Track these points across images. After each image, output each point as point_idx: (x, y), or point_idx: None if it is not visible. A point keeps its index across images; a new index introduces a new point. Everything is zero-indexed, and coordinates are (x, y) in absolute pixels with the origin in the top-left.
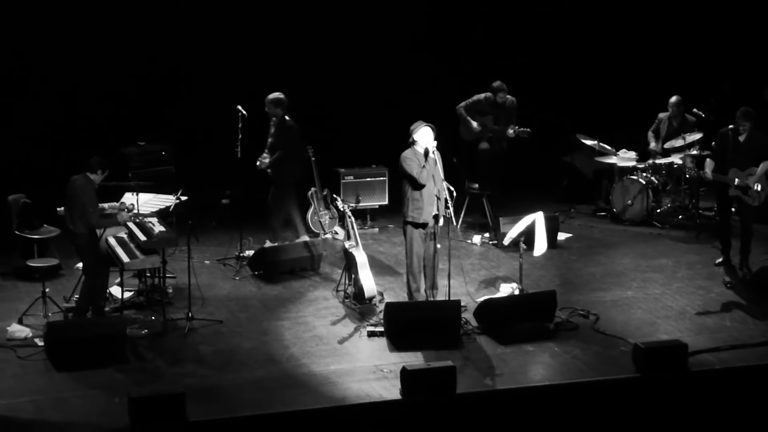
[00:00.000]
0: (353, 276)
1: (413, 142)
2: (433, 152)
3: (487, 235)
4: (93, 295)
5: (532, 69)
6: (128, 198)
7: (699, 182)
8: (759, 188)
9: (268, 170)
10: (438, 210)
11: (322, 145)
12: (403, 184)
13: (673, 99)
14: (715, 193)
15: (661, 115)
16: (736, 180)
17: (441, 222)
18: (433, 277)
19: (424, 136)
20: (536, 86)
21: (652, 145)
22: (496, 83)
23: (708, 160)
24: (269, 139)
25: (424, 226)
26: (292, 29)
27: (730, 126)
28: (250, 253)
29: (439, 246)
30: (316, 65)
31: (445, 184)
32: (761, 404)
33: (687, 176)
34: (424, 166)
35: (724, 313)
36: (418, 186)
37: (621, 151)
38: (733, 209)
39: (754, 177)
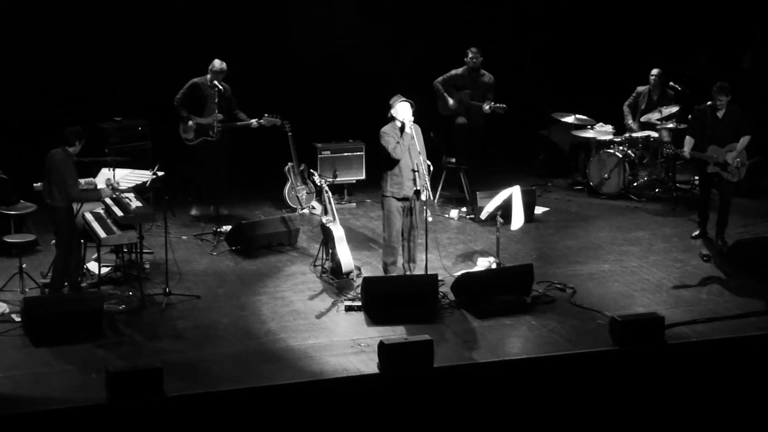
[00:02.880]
0: (330, 251)
1: (392, 117)
2: (410, 127)
3: (464, 209)
4: (66, 270)
5: (511, 43)
6: (105, 173)
7: (675, 156)
8: (738, 164)
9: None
10: (416, 185)
11: (298, 120)
12: (380, 158)
13: (655, 71)
14: (697, 168)
15: (640, 88)
16: (715, 156)
17: (423, 197)
18: (411, 250)
19: (401, 110)
20: (513, 61)
21: (629, 120)
22: (470, 49)
23: (687, 138)
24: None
25: (403, 200)
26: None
27: (708, 102)
28: (227, 228)
29: (431, 218)
30: (292, 38)
31: (423, 158)
32: (737, 376)
33: (664, 156)
34: (398, 141)
35: (700, 286)
36: (393, 162)
37: (598, 124)
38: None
39: (734, 153)
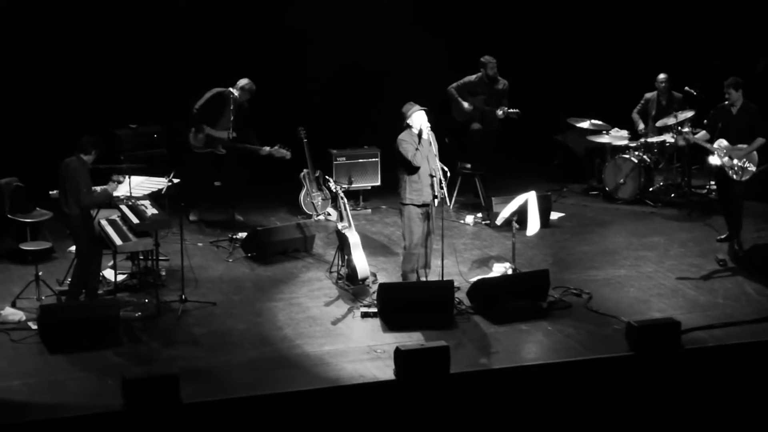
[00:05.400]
0: (346, 257)
1: (408, 126)
2: (428, 133)
3: (479, 215)
4: (85, 278)
5: (523, 50)
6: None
7: (691, 160)
8: (745, 164)
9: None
10: (433, 190)
11: (314, 126)
12: (398, 166)
13: (661, 76)
14: (713, 174)
15: (648, 95)
16: (722, 149)
17: (437, 202)
18: (427, 256)
19: (417, 119)
20: (527, 67)
21: (641, 126)
22: (485, 57)
23: (702, 132)
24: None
25: (423, 206)
26: (282, 6)
27: (726, 102)
28: (242, 234)
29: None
30: (308, 46)
31: (439, 164)
32: (754, 381)
33: (674, 139)
34: (417, 149)
35: (717, 290)
36: (413, 169)
37: (613, 129)
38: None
39: (741, 152)
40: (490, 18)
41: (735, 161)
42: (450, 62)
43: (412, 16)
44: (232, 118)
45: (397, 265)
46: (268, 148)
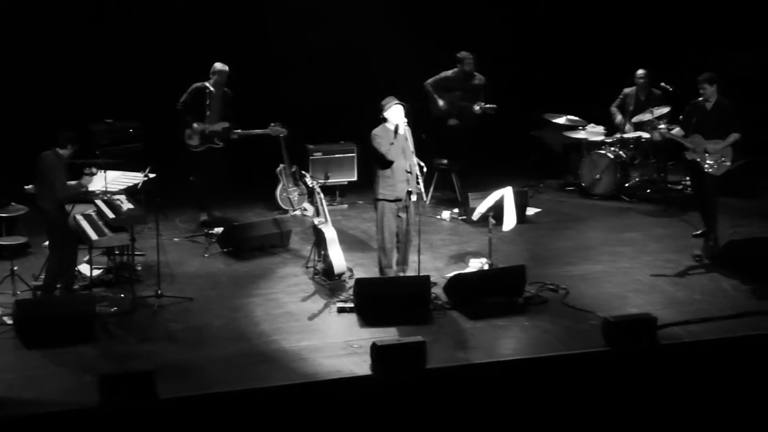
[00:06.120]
0: (323, 252)
1: (384, 119)
2: (404, 129)
3: (456, 210)
4: (59, 272)
5: (502, 44)
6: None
7: (667, 156)
8: (720, 159)
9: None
10: (409, 185)
11: (290, 121)
12: (372, 160)
13: (640, 72)
14: (688, 170)
15: (627, 90)
16: (696, 144)
17: (414, 198)
18: (404, 251)
19: (394, 114)
20: (505, 62)
21: (618, 118)
22: (462, 53)
23: (677, 129)
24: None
25: (396, 201)
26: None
27: (700, 98)
28: (219, 230)
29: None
30: (286, 39)
31: (415, 159)
32: (730, 377)
33: (649, 135)
34: (392, 143)
35: (693, 286)
36: (387, 163)
37: (590, 125)
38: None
39: (717, 147)
40: (469, 14)
41: (710, 156)
42: (428, 57)
43: (391, 9)
44: (219, 108)
45: (374, 260)
46: (262, 130)
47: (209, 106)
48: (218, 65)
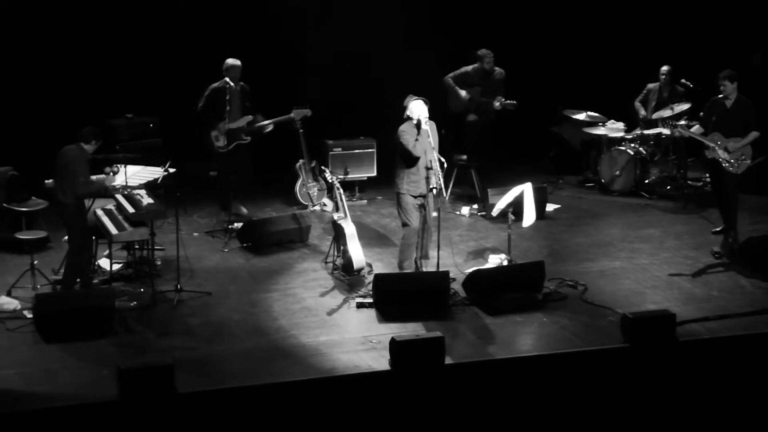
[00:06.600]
0: (342, 247)
1: (408, 117)
2: (426, 124)
3: (475, 206)
4: (79, 267)
5: (521, 40)
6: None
7: (687, 152)
8: (741, 157)
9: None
10: (429, 183)
11: (310, 117)
12: (397, 156)
13: (665, 68)
14: (708, 166)
15: (650, 85)
16: (717, 142)
17: (435, 193)
18: (424, 246)
19: (417, 109)
20: (524, 57)
21: (642, 113)
22: (482, 51)
23: (697, 126)
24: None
25: (418, 197)
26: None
27: (720, 95)
28: (238, 225)
29: (434, 214)
30: (304, 36)
31: (436, 155)
32: (748, 374)
33: (670, 132)
34: (417, 139)
35: (711, 283)
36: (413, 160)
37: (609, 121)
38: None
39: (737, 145)
40: (487, 10)
41: (730, 154)
42: (449, 55)
43: (412, 7)
44: (239, 103)
45: (393, 255)
46: (285, 116)
47: (229, 102)
48: (231, 60)
